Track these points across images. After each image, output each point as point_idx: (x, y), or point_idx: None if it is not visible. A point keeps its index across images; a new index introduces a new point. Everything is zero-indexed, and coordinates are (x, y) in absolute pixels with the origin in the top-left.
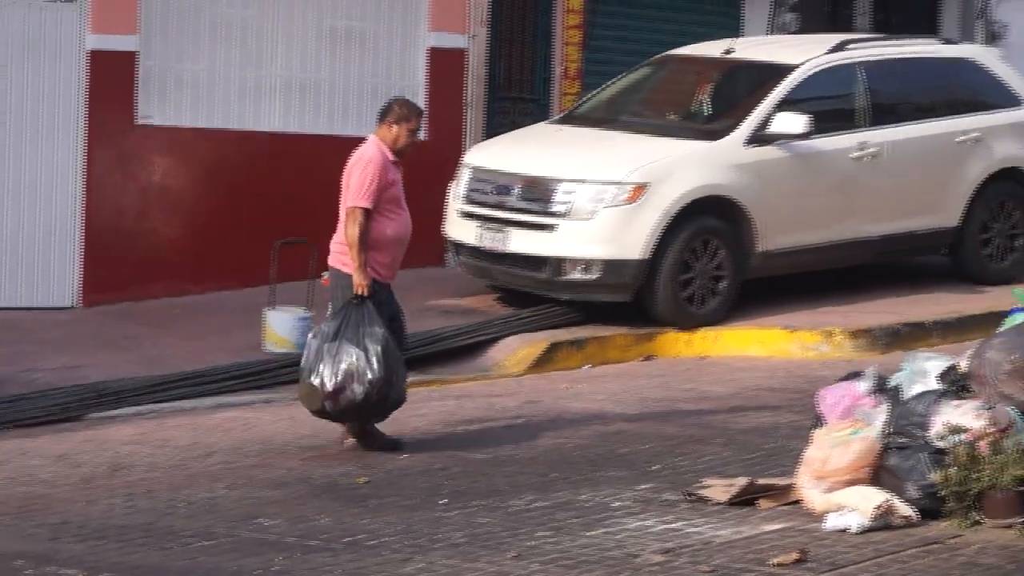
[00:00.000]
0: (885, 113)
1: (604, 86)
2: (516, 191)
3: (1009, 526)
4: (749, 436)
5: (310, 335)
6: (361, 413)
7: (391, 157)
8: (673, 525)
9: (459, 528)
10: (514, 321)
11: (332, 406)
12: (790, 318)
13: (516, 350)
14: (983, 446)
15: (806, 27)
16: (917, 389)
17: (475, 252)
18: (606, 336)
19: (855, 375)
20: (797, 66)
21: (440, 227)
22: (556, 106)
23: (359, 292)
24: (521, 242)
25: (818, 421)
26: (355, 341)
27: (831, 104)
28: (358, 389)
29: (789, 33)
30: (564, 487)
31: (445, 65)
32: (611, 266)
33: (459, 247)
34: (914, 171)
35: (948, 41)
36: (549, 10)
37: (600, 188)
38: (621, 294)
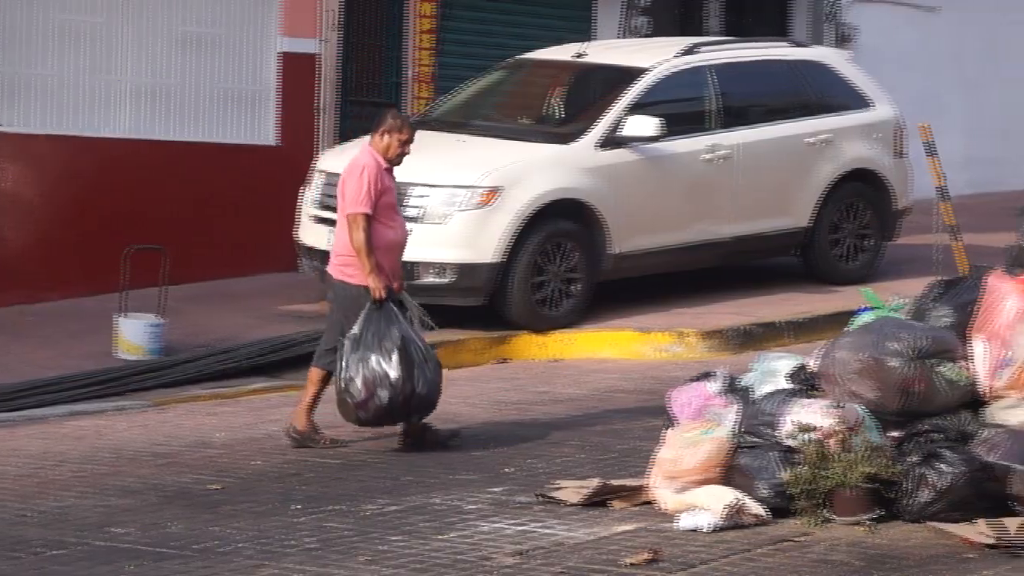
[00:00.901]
0: (736, 115)
1: (457, 90)
2: None
3: (858, 523)
4: (602, 438)
5: (345, 346)
6: (394, 416)
7: (384, 165)
8: (526, 527)
9: (311, 533)
10: None
11: (365, 415)
12: (643, 320)
13: None
14: (832, 444)
15: (658, 30)
16: (767, 389)
17: (327, 257)
18: (460, 340)
19: (706, 376)
20: (648, 69)
21: (293, 232)
22: (409, 110)
23: (376, 296)
24: None
25: (670, 422)
26: (375, 347)
27: (682, 107)
28: (383, 394)
29: (641, 36)
30: (417, 491)
31: (297, 70)
32: (465, 270)
33: (312, 252)
34: (765, 173)
35: (798, 44)
36: (401, 14)
37: (453, 192)
38: (475, 297)
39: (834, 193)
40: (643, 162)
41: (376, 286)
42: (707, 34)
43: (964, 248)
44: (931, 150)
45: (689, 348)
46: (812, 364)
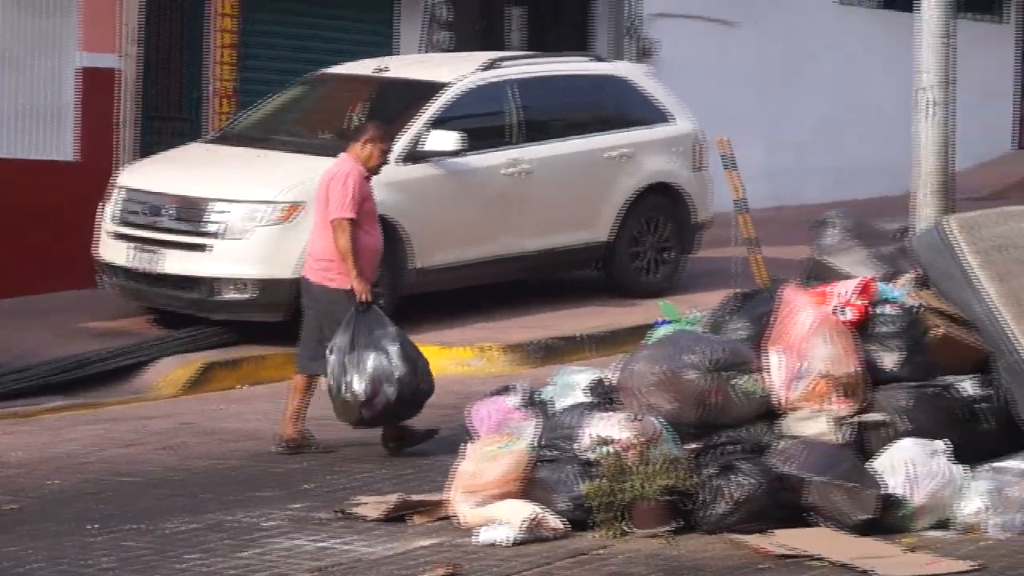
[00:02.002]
0: (537, 130)
1: (258, 105)
2: (169, 212)
3: (656, 535)
4: (403, 452)
5: (327, 352)
6: (399, 412)
7: (364, 173)
8: (325, 543)
9: (108, 552)
10: (168, 343)
11: (369, 413)
12: (445, 334)
13: (170, 371)
14: (631, 457)
15: (460, 45)
16: (567, 402)
17: (128, 273)
18: (261, 356)
19: (505, 389)
20: (449, 84)
21: (92, 249)
22: (210, 125)
23: (363, 299)
24: (175, 263)
25: (470, 436)
26: (373, 346)
27: (484, 121)
28: (390, 390)
29: (443, 51)
30: (216, 508)
31: (96, 85)
32: (266, 285)
33: (112, 269)
34: (566, 187)
35: (599, 58)
36: (202, 29)
37: (253, 207)
38: (276, 313)
39: (635, 207)
40: (445, 177)
41: (362, 289)
42: (509, 49)
43: (763, 260)
44: (730, 163)
45: (490, 362)
46: (611, 377)
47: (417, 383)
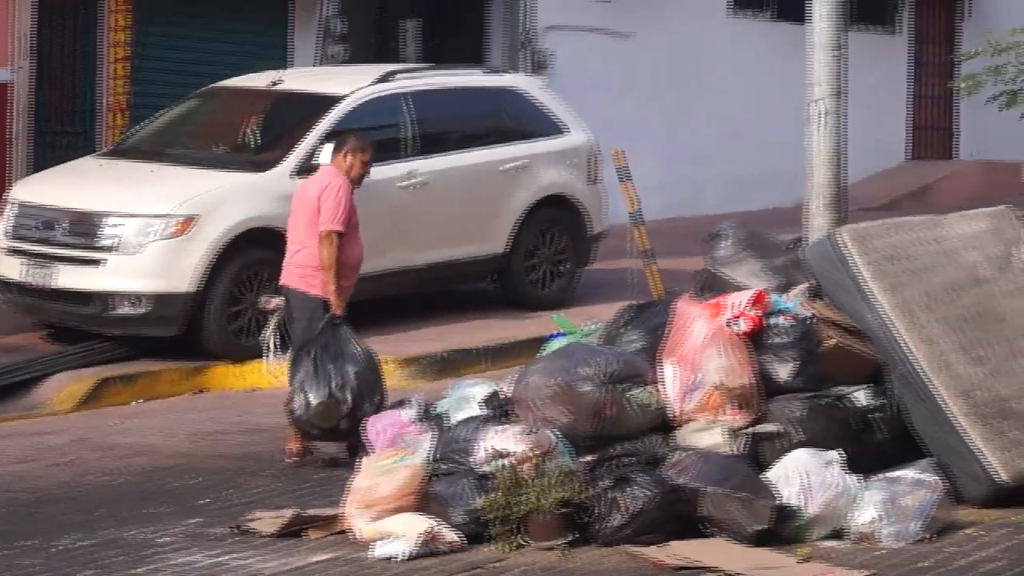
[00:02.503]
0: (432, 142)
1: (152, 119)
2: (63, 226)
3: (552, 547)
4: (299, 467)
5: (301, 353)
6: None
7: (350, 185)
8: (220, 559)
9: (2, 570)
10: (62, 358)
11: (349, 424)
12: None
13: (64, 387)
14: (526, 469)
15: (355, 57)
16: (462, 415)
17: (21, 289)
18: (157, 370)
19: (401, 403)
20: (344, 97)
21: None
22: (104, 139)
23: (337, 313)
24: (69, 278)
25: (365, 450)
26: (354, 361)
27: (379, 134)
28: (368, 408)
29: (338, 64)
30: (111, 524)
31: None
32: (160, 300)
33: (5, 284)
34: (461, 199)
35: (494, 71)
36: (95, 42)
37: (148, 221)
38: (171, 328)
39: (530, 219)
40: None
41: (339, 303)
42: (404, 61)
43: (658, 272)
44: (625, 175)
45: (386, 376)
46: (506, 390)
47: (382, 399)
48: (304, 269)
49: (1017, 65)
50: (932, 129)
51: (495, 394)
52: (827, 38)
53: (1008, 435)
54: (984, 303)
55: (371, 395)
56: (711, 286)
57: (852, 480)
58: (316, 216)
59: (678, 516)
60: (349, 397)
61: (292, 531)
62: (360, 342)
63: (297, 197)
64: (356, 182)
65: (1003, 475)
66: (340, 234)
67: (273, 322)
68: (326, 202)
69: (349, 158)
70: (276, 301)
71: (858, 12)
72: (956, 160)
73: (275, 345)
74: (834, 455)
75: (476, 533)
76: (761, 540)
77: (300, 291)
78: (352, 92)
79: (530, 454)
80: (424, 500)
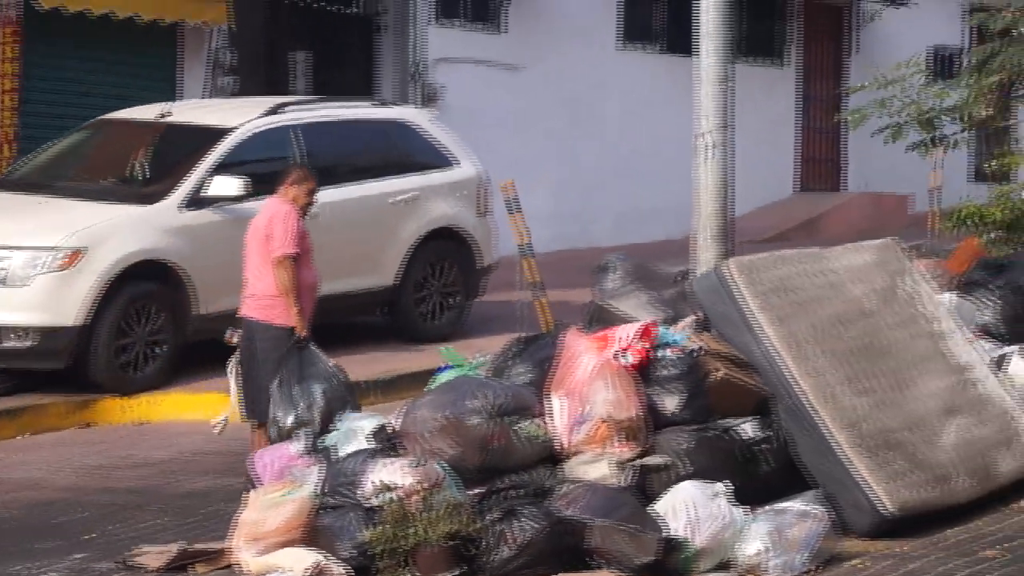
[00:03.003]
0: (322, 175)
1: (40, 150)
2: None
3: None
4: (187, 501)
5: (273, 386)
6: None
7: (299, 212)
8: None
9: None
10: None
11: None
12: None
13: None
14: (414, 502)
15: (244, 89)
16: (350, 448)
17: None
18: (43, 404)
19: (289, 436)
20: (233, 129)
21: None
22: None
23: (302, 335)
24: None
25: (253, 483)
26: (321, 379)
27: (268, 166)
28: None
29: (227, 96)
30: None
31: None
32: (47, 333)
33: None
34: (351, 231)
35: (384, 103)
36: None
37: (34, 254)
38: (58, 361)
39: (419, 251)
40: (229, 222)
41: (303, 325)
42: (294, 93)
43: (547, 305)
44: (514, 207)
45: None
46: (394, 423)
47: None
48: (264, 300)
49: (902, 99)
50: (820, 161)
51: (383, 427)
52: (714, 72)
53: (893, 466)
54: (870, 335)
55: (342, 412)
56: (599, 319)
57: (739, 512)
58: (267, 245)
59: (566, 548)
60: (317, 417)
61: (179, 565)
62: (329, 360)
63: (248, 234)
64: (302, 212)
65: (888, 506)
66: (294, 257)
67: (236, 357)
68: (276, 228)
69: (293, 190)
70: (240, 333)
71: (746, 46)
72: (844, 192)
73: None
74: (721, 487)
75: (364, 566)
76: (648, 572)
77: (262, 322)
78: (241, 124)
79: (418, 487)
80: (312, 534)
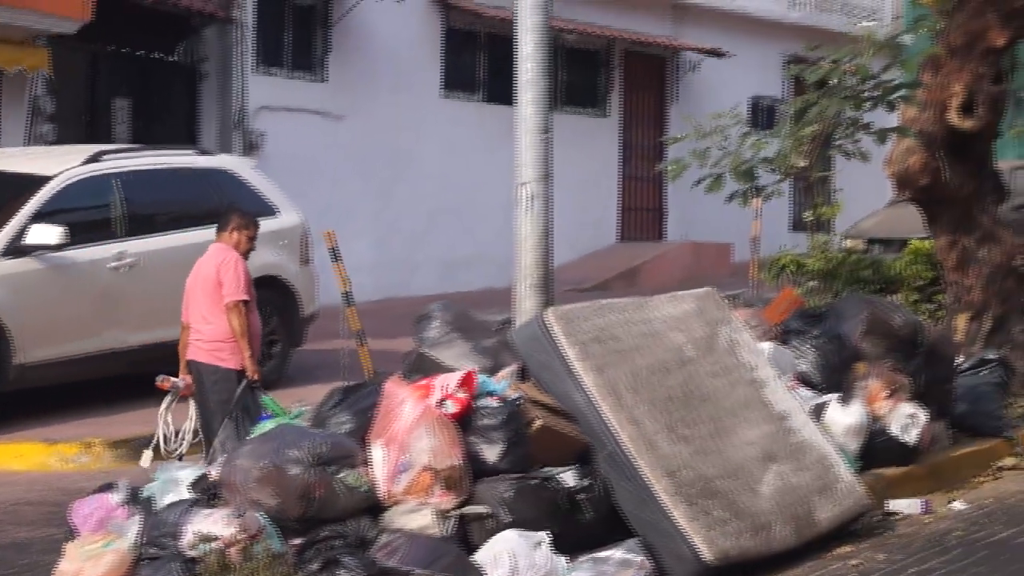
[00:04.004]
0: (142, 223)
1: None
2: None
3: None
4: (4, 552)
5: (226, 420)
6: None
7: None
8: None
9: None
10: None
11: None
12: (51, 431)
13: None
14: (234, 553)
15: (65, 137)
16: (170, 499)
17: None
18: None
19: (108, 487)
20: (52, 177)
21: None
22: None
23: (254, 378)
24: None
25: (72, 534)
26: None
27: (88, 215)
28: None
29: (47, 143)
30: None
31: None
32: None
33: None
34: (173, 280)
35: (205, 151)
36: None
37: None
38: None
39: None
40: (48, 271)
41: (255, 368)
42: (115, 141)
43: (370, 353)
44: (336, 256)
45: (96, 458)
46: (214, 473)
47: None
48: (213, 344)
49: (721, 149)
50: (643, 210)
51: (203, 477)
52: (534, 122)
53: (713, 514)
54: (690, 383)
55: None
56: (421, 368)
57: (560, 561)
58: (217, 291)
59: None
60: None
61: None
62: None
63: (191, 279)
64: (244, 256)
65: (707, 554)
66: (246, 303)
67: (168, 400)
68: (227, 275)
69: (235, 235)
70: (173, 380)
71: (568, 94)
72: (666, 241)
73: (169, 422)
74: (542, 536)
75: None
76: None
77: (211, 365)
78: (61, 172)
79: (238, 537)
80: None
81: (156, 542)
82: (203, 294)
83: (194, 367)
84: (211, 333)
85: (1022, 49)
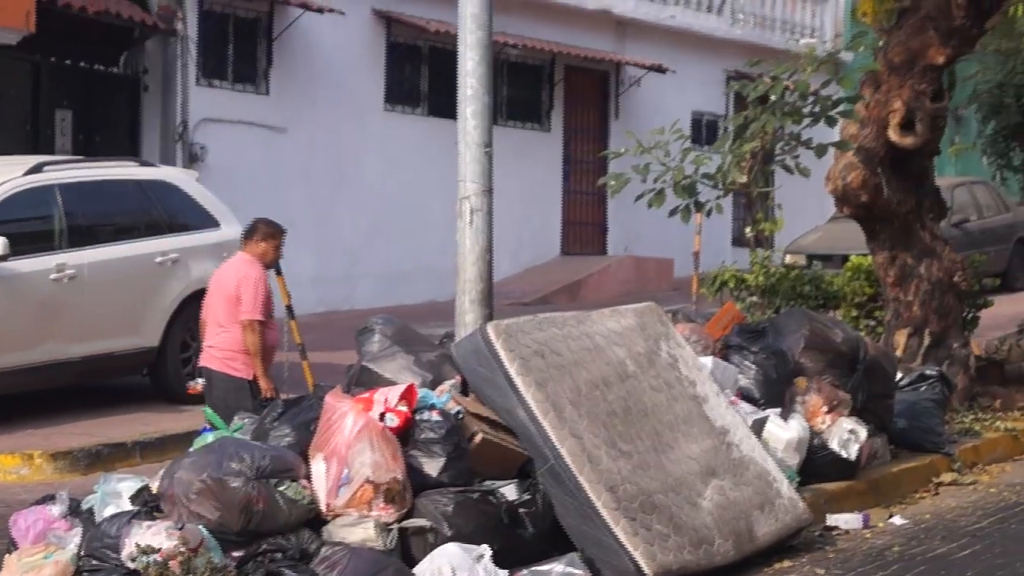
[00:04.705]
0: (84, 235)
1: None
2: None
3: None
4: None
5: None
6: None
7: (265, 272)
8: None
9: None
10: None
11: None
12: None
13: None
14: (174, 566)
15: (6, 148)
16: (111, 511)
17: None
18: None
19: (49, 499)
20: None
21: None
22: None
23: (268, 395)
24: None
25: (12, 546)
26: None
27: (29, 226)
28: None
29: None
30: None
31: None
32: None
33: None
34: (114, 292)
35: (146, 163)
36: None
37: None
38: None
39: (183, 312)
40: None
41: (268, 384)
42: (57, 153)
43: (311, 367)
44: (278, 269)
45: (36, 470)
46: (155, 485)
47: None
48: (226, 352)
49: (663, 164)
50: (585, 225)
51: (145, 488)
52: (475, 135)
53: (653, 529)
54: (630, 398)
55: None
56: (363, 381)
57: (501, 575)
58: (235, 304)
59: None
60: None
61: None
62: None
63: (214, 283)
64: (269, 266)
65: (648, 569)
66: (261, 322)
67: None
68: (246, 292)
69: (263, 244)
70: (201, 381)
71: (510, 109)
72: (608, 255)
73: None
74: (484, 549)
75: None
76: None
77: (222, 372)
78: (2, 183)
79: (178, 550)
80: None
81: (96, 554)
82: (222, 303)
83: (206, 373)
84: (225, 342)
85: (962, 67)
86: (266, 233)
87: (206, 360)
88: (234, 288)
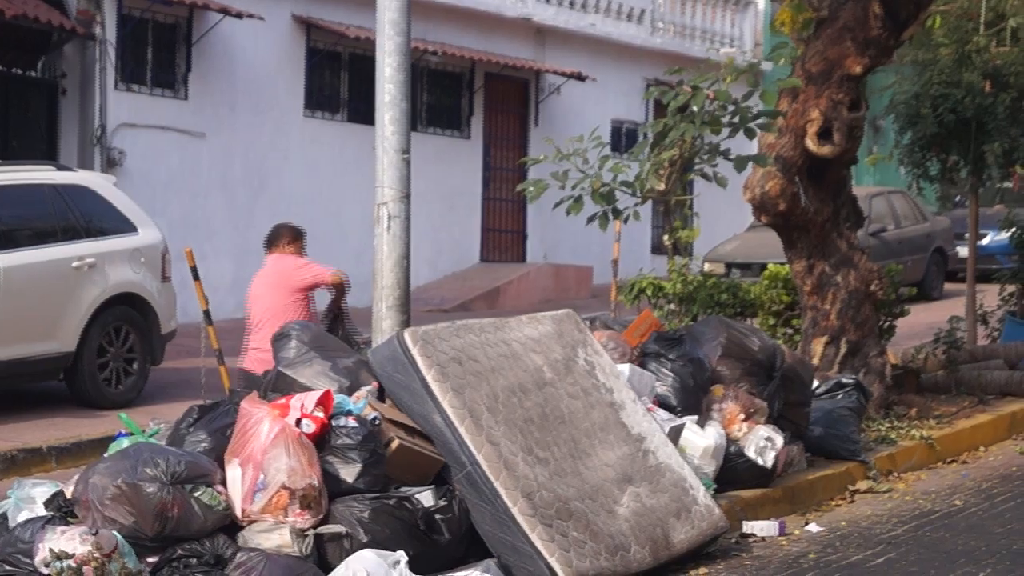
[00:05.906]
0: (0, 238)
1: None
2: None
3: None
4: None
5: None
6: None
7: None
8: None
9: None
10: None
11: None
12: None
13: None
14: (89, 571)
15: None
16: (24, 516)
17: None
18: None
19: None
20: None
21: None
22: None
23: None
24: None
25: None
26: None
27: None
28: None
29: None
30: None
31: None
32: None
33: None
34: (29, 297)
35: (63, 168)
36: None
37: None
38: None
39: (100, 317)
40: None
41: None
42: None
43: (228, 372)
44: (196, 274)
45: None
46: (69, 490)
47: None
48: (268, 353)
49: (581, 171)
50: (504, 232)
51: (59, 494)
52: (394, 142)
53: (570, 535)
54: (548, 405)
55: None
56: (279, 387)
57: None
58: (288, 295)
59: None
60: None
61: None
62: None
63: (257, 289)
64: None
65: (563, 575)
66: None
67: None
68: (303, 272)
69: (291, 247)
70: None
71: (430, 116)
72: (527, 263)
73: None
74: (400, 555)
75: None
76: None
77: (257, 375)
78: None
79: (92, 555)
80: None
81: (9, 559)
82: (269, 303)
83: (245, 376)
84: (262, 341)
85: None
86: (291, 236)
87: (248, 363)
88: (298, 276)
